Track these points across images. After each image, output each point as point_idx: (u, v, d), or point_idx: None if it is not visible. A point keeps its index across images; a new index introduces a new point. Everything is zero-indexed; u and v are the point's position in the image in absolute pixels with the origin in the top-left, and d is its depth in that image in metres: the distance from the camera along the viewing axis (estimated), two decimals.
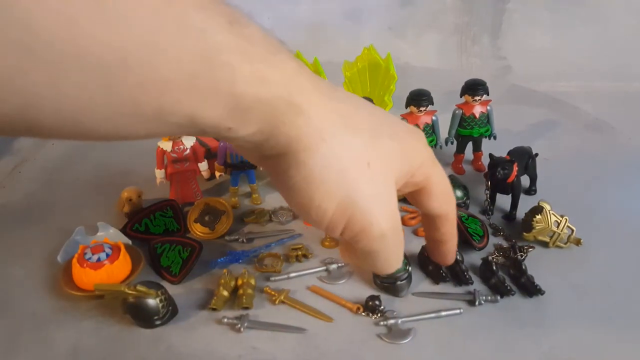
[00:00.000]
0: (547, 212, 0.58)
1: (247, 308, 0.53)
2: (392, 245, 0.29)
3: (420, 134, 0.32)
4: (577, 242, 0.59)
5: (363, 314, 0.52)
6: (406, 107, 0.70)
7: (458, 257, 0.56)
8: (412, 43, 1.05)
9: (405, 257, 0.54)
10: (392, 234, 0.28)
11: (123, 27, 0.19)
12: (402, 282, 0.54)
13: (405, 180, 0.30)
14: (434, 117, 0.71)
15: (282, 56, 0.24)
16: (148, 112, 0.21)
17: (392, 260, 0.30)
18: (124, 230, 0.62)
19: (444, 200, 0.33)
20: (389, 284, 0.54)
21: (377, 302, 0.52)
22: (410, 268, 0.55)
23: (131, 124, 0.22)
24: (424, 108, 0.69)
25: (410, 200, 0.34)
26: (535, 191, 0.70)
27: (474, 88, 0.70)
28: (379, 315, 0.52)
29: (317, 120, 0.25)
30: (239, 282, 0.55)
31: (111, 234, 0.61)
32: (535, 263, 0.57)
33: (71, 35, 0.18)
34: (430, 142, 0.71)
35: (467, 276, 0.55)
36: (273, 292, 0.54)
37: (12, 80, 0.18)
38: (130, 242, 0.60)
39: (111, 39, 0.19)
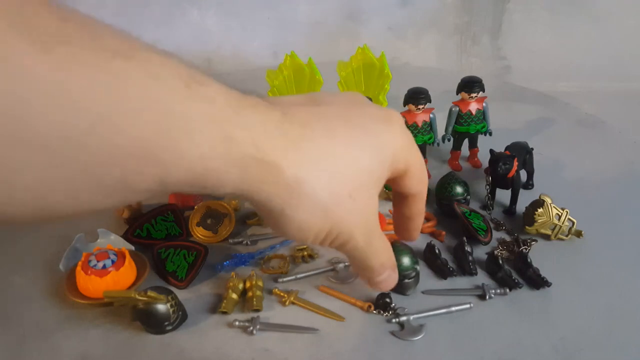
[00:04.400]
0: (549, 205, 0.59)
1: (257, 310, 0.52)
2: (369, 252, 0.32)
3: (395, 118, 0.32)
4: (579, 234, 0.60)
5: (374, 312, 0.52)
6: (404, 105, 0.71)
7: (467, 249, 0.57)
8: (412, 43, 1.05)
9: (414, 255, 0.55)
10: (367, 244, 0.32)
11: (75, 110, 0.19)
12: (409, 280, 0.54)
13: (390, 171, 0.32)
14: (431, 115, 0.71)
15: (246, 112, 0.24)
16: (111, 185, 0.21)
17: (373, 263, 0.34)
18: (125, 236, 0.61)
19: (419, 180, 0.34)
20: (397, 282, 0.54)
21: (387, 300, 0.52)
22: (419, 267, 0.55)
23: (95, 198, 0.22)
24: (422, 106, 0.69)
25: (388, 181, 0.35)
26: (532, 185, 0.71)
27: (470, 85, 0.71)
28: (390, 312, 0.52)
29: (291, 173, 0.26)
30: (247, 284, 0.54)
31: (112, 241, 0.60)
32: (538, 256, 0.57)
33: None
34: (428, 139, 0.72)
35: (472, 267, 0.56)
36: (282, 294, 0.54)
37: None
38: (133, 248, 0.59)
39: (62, 121, 0.19)
